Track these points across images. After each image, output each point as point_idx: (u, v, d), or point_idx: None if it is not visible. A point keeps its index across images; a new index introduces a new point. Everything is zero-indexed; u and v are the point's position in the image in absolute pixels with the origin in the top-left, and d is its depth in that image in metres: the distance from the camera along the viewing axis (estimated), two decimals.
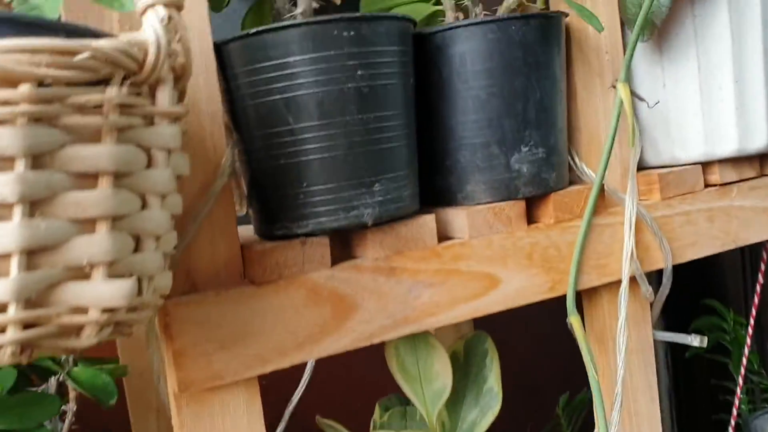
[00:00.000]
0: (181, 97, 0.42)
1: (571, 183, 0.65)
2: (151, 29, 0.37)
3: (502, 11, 0.62)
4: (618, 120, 0.60)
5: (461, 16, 0.64)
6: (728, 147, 0.66)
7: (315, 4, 0.53)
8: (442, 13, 0.64)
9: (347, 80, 0.50)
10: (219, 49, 0.52)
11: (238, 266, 0.52)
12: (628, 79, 0.58)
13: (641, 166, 0.70)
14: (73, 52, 0.33)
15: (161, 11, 0.38)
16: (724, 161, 0.68)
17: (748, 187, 0.71)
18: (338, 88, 0.50)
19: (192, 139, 0.51)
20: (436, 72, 0.58)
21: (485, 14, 0.62)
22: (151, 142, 0.38)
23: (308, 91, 0.50)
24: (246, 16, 0.59)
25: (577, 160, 0.65)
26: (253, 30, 0.49)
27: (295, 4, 0.56)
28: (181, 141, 0.40)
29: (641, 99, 0.64)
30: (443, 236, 0.59)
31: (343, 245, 0.57)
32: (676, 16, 0.65)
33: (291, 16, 0.54)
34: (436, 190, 0.61)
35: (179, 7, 0.38)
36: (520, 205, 0.60)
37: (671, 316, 1.03)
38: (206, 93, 0.51)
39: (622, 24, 0.65)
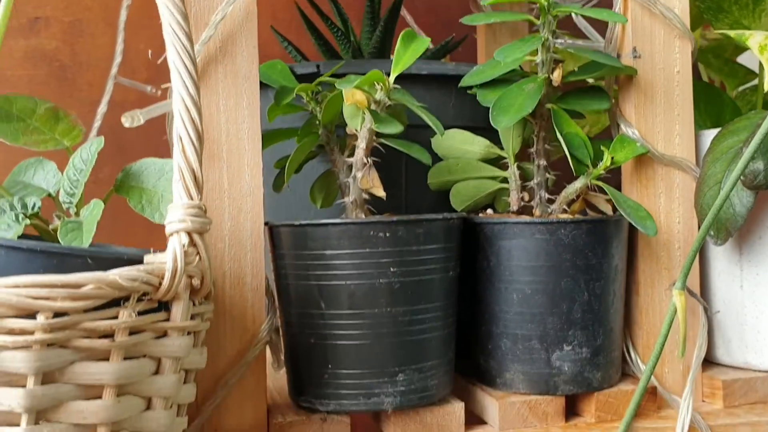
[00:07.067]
0: (207, 296, 0.46)
1: (627, 377, 0.62)
2: (171, 254, 0.41)
3: (560, 201, 0.61)
4: (670, 325, 0.57)
5: (526, 196, 0.64)
6: None
7: (365, 195, 0.56)
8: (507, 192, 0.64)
9: (379, 276, 0.52)
10: (273, 230, 0.56)
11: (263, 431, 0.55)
12: (685, 286, 0.55)
13: (712, 362, 0.66)
14: (82, 285, 0.37)
15: (184, 238, 0.42)
16: None
17: None
18: (370, 282, 0.52)
19: (234, 308, 0.55)
20: (485, 260, 0.59)
21: (549, 199, 0.62)
22: (162, 352, 0.42)
23: (340, 283, 0.52)
24: (314, 185, 0.63)
25: (633, 356, 0.63)
26: (298, 222, 0.53)
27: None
28: (190, 350, 0.43)
29: (702, 303, 0.61)
30: (476, 420, 0.59)
31: (374, 419, 0.59)
32: (759, 218, 0.62)
33: (341, 203, 0.57)
34: (479, 368, 0.61)
35: (202, 232, 0.42)
36: (558, 402, 0.58)
37: None
38: (252, 269, 0.55)
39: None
